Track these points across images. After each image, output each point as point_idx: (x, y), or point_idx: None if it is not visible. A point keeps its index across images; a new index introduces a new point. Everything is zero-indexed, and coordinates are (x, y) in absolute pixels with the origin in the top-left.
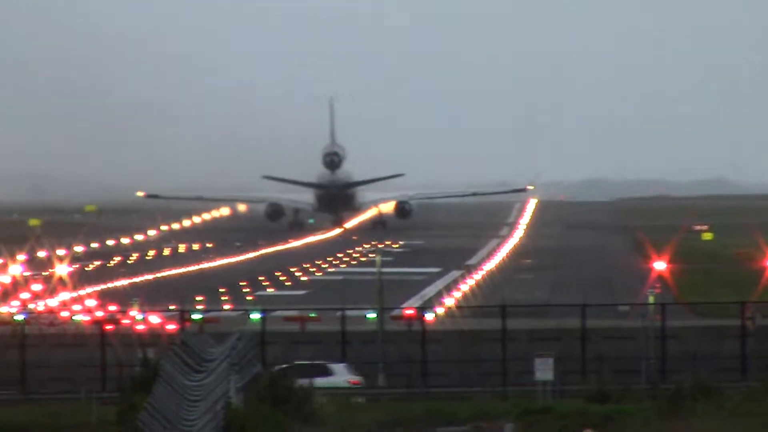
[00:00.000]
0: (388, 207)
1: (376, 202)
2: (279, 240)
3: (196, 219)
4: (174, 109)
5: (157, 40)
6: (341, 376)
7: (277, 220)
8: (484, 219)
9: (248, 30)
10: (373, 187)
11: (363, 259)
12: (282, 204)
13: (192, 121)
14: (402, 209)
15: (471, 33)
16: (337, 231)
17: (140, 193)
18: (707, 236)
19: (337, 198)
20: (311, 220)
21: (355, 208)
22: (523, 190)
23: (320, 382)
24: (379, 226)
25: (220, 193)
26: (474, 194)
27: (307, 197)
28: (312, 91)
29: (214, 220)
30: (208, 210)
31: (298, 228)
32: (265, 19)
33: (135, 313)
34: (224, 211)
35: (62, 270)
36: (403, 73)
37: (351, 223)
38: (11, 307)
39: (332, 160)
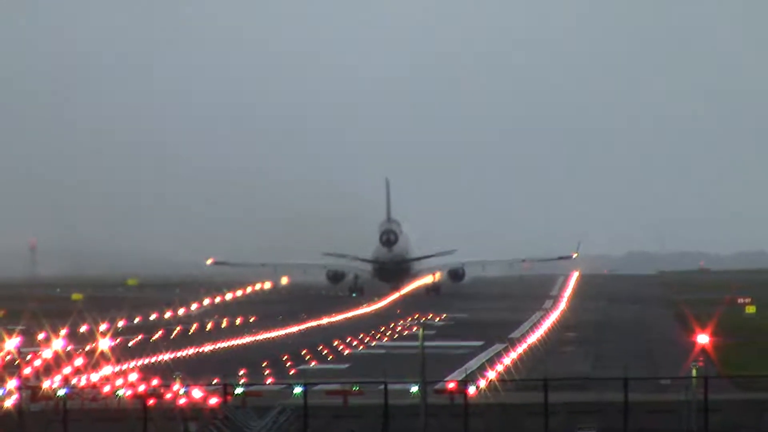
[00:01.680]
0: (441, 272)
1: (431, 270)
2: (321, 313)
3: (239, 292)
4: (221, 178)
5: (203, 99)
6: None
7: (338, 282)
8: (528, 292)
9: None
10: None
11: (405, 332)
12: (343, 270)
13: (239, 189)
14: (456, 273)
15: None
16: (394, 297)
17: (209, 261)
18: (750, 309)
19: (393, 271)
20: (353, 294)
21: (411, 276)
22: (569, 257)
23: None
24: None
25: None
26: (523, 261)
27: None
28: (369, 168)
29: (257, 292)
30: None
31: (358, 292)
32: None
33: (177, 387)
34: (267, 284)
35: (104, 344)
36: (453, 158)
37: (407, 289)
38: (53, 382)
39: (389, 239)
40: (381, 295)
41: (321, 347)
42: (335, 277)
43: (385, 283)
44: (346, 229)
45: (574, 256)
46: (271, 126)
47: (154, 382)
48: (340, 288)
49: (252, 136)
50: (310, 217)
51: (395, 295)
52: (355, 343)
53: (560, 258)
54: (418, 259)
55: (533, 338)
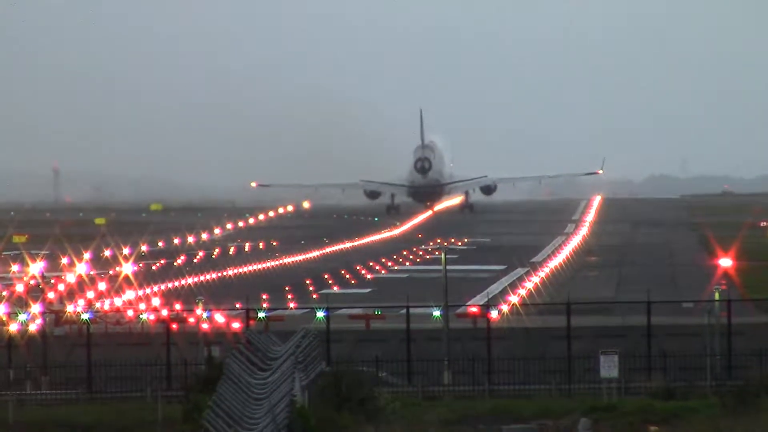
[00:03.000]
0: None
1: (463, 188)
2: (344, 238)
3: (261, 217)
4: (264, 111)
5: (250, 41)
6: None
7: (375, 199)
8: (550, 216)
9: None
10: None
11: (428, 257)
12: (379, 189)
13: (278, 121)
14: (488, 188)
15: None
16: (421, 218)
17: (253, 183)
18: None
19: (428, 194)
20: (376, 219)
21: (445, 195)
22: (595, 173)
23: None
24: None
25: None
26: (552, 177)
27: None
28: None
29: (279, 216)
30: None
31: (395, 211)
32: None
33: (200, 312)
34: (289, 208)
35: (128, 269)
36: (485, 78)
37: (441, 206)
38: (77, 306)
39: (423, 166)
40: (416, 214)
41: (343, 272)
42: (372, 194)
43: (420, 203)
44: (381, 152)
45: (600, 172)
46: (302, 44)
47: (177, 306)
48: (377, 204)
49: (283, 56)
50: (343, 140)
51: (422, 217)
52: (377, 267)
53: (587, 174)
54: (451, 183)
55: (555, 262)
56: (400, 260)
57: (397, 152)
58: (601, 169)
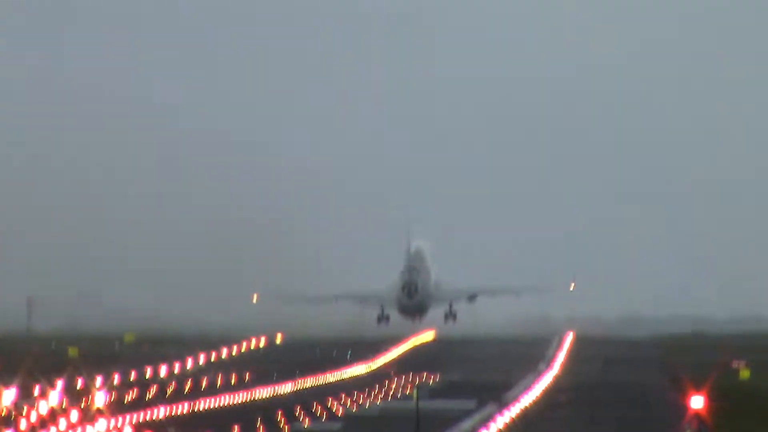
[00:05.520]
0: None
1: (446, 299)
2: (316, 371)
3: (233, 350)
4: None
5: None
6: None
7: (366, 304)
8: (524, 351)
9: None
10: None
11: (399, 394)
12: (370, 300)
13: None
14: (472, 296)
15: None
16: (395, 353)
17: (255, 296)
18: (744, 374)
19: (414, 312)
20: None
21: (432, 308)
22: (567, 288)
23: None
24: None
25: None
26: (533, 289)
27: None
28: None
29: (252, 351)
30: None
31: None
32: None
33: None
34: (261, 341)
35: (99, 399)
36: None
37: (425, 317)
38: None
39: (410, 290)
40: (405, 325)
41: (314, 406)
42: (363, 301)
43: (408, 317)
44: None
45: (572, 287)
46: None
47: None
48: (368, 311)
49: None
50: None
51: (395, 351)
52: (348, 402)
53: (558, 288)
54: (438, 300)
55: (526, 400)
56: (372, 395)
57: (384, 259)
58: (573, 282)
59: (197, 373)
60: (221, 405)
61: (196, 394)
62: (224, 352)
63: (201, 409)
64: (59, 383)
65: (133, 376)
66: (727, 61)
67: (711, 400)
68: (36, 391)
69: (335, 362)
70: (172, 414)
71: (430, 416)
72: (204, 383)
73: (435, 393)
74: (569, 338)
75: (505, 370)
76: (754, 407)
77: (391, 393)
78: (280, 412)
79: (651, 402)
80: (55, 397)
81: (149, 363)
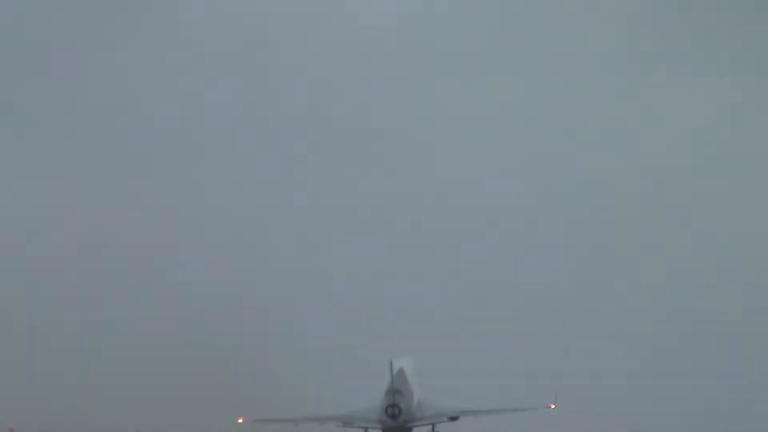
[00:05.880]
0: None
1: (430, 420)
2: None
3: None
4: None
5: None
6: None
7: (350, 424)
8: None
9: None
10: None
11: None
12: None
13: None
14: (454, 418)
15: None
16: None
17: (240, 420)
18: None
19: None
20: None
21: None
22: (548, 407)
23: None
24: None
25: None
26: (514, 410)
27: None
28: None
29: None
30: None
31: None
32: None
33: None
34: None
35: None
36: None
37: None
38: None
39: (393, 413)
40: None
41: None
42: (347, 423)
43: None
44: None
45: (552, 407)
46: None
47: None
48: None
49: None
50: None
51: None
52: None
53: (539, 408)
54: (422, 420)
55: None
56: None
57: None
58: (554, 403)
59: None
60: None
61: None
62: None
63: None
64: None
65: None
66: None
67: None
68: None
69: None
70: None
71: None
72: None
73: None
74: None
75: None
76: None
77: None
78: None
79: None
80: None
81: None
